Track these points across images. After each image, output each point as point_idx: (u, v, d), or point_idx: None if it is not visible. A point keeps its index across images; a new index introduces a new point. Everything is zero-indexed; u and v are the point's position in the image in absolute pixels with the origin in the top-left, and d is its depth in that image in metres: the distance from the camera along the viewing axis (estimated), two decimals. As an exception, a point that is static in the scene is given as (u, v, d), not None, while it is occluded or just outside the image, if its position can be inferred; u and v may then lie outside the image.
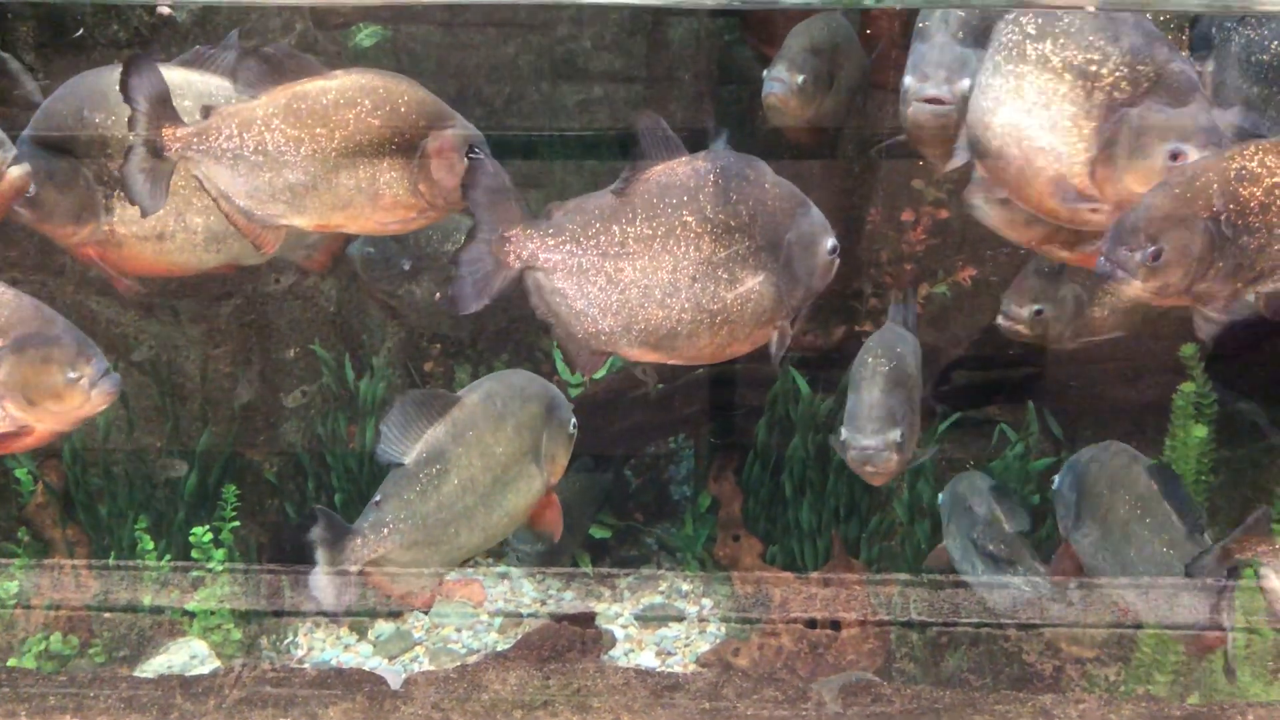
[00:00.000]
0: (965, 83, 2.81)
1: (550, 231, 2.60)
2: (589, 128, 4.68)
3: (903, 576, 3.67)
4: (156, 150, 2.64)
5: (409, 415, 2.87)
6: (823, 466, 4.02)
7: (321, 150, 2.70)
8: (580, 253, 2.62)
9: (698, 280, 2.60)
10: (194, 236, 2.98)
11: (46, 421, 2.52)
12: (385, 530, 2.79)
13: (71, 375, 2.49)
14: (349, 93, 2.73)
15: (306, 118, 2.68)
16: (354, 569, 2.71)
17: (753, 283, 2.63)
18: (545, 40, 4.58)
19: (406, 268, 3.96)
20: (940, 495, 3.48)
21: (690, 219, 2.59)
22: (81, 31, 3.80)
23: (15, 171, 2.64)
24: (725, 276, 2.61)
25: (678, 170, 2.61)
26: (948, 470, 3.84)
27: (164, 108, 2.64)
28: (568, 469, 4.27)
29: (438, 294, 3.97)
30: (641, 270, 2.60)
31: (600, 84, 4.64)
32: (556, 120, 4.66)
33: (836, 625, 3.51)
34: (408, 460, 2.82)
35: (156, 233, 2.95)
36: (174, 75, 2.84)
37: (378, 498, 2.82)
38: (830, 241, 2.67)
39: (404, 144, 2.74)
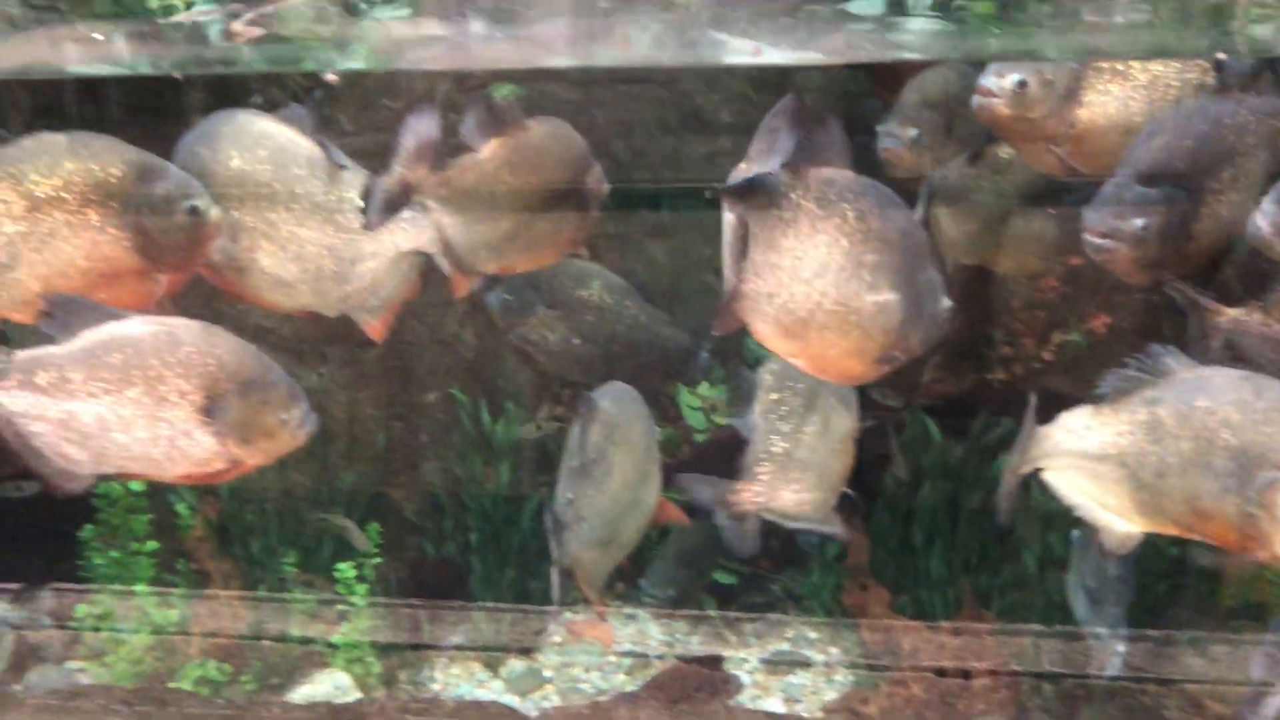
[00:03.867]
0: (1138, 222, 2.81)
1: None
2: (716, 180, 4.77)
3: (1036, 627, 3.61)
4: (406, 187, 2.83)
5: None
6: (953, 515, 3.99)
7: (530, 197, 2.87)
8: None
9: (844, 271, 2.64)
10: (264, 278, 3.10)
11: (256, 458, 2.71)
12: (584, 526, 2.95)
13: (284, 417, 2.68)
14: (546, 141, 2.91)
15: (522, 167, 2.86)
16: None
17: (887, 296, 2.66)
18: (673, 95, 4.70)
19: (540, 313, 4.09)
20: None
21: (851, 214, 2.65)
22: (259, 99, 4.07)
23: (216, 214, 2.85)
24: (867, 280, 2.65)
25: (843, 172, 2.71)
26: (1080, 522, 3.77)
27: (428, 153, 2.84)
28: (692, 514, 4.35)
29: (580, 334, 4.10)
30: (792, 251, 2.67)
31: (728, 136, 4.74)
32: (683, 173, 4.77)
33: (967, 675, 3.47)
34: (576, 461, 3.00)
35: (238, 266, 3.08)
36: (264, 125, 3.03)
37: (570, 495, 2.97)
38: (948, 302, 2.71)
39: (576, 183, 2.91)
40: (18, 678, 3.79)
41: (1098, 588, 3.22)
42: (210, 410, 2.64)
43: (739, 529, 3.26)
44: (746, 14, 2.91)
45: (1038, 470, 2.91)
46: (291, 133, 3.03)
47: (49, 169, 2.76)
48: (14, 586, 3.75)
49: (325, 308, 3.18)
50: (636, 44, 3.02)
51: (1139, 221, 2.82)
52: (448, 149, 2.97)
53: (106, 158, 2.79)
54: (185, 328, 2.68)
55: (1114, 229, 2.84)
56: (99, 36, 3.11)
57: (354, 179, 2.99)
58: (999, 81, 3.06)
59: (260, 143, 2.99)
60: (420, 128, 2.82)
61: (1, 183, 2.75)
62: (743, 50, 2.97)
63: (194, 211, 2.83)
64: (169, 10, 3.12)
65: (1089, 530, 3.22)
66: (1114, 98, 3.09)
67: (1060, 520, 3.76)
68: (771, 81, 4.64)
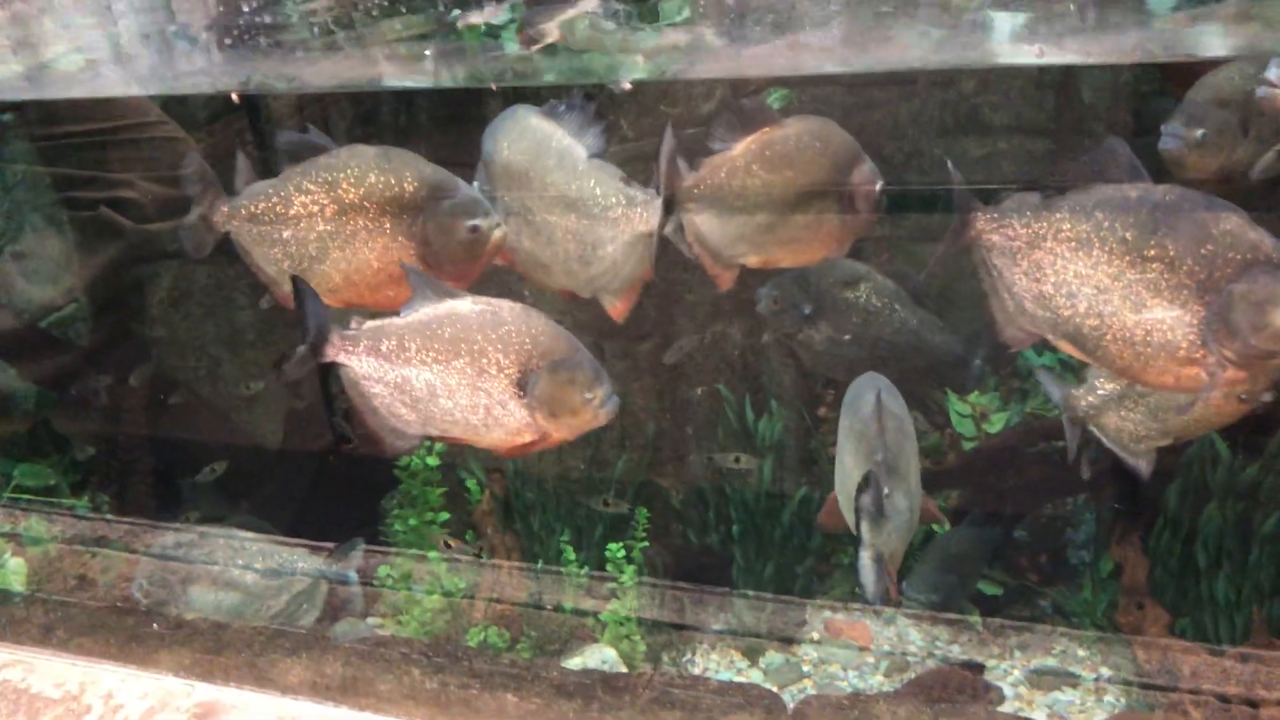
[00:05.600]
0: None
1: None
2: (991, 181, 4.67)
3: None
4: (670, 206, 3.05)
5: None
6: (1244, 537, 3.75)
7: (786, 192, 3.00)
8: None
9: (1127, 286, 2.71)
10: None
11: (561, 432, 2.94)
12: (898, 518, 3.06)
13: (588, 396, 2.89)
14: (804, 138, 3.02)
15: (776, 162, 2.99)
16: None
17: (1176, 313, 2.64)
18: (949, 96, 4.64)
19: (807, 312, 4.15)
20: None
21: (1128, 235, 2.72)
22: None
23: (499, 234, 3.13)
24: (1148, 296, 2.68)
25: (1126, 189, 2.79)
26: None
27: (677, 166, 3.04)
28: (959, 522, 4.30)
29: (845, 336, 4.15)
30: (1073, 262, 2.80)
31: (1004, 138, 4.63)
32: (957, 174, 4.69)
33: (1255, 705, 3.25)
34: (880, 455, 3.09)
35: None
36: (541, 124, 3.23)
37: (886, 491, 3.07)
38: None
39: (839, 180, 2.99)
40: (327, 627, 4.23)
41: None
42: (523, 384, 2.87)
43: (1071, 432, 3.44)
44: (1030, 15, 2.87)
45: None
46: (551, 127, 3.24)
47: (358, 179, 3.12)
48: (329, 545, 4.19)
49: (578, 288, 3.38)
50: (915, 47, 3.04)
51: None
52: (705, 150, 3.12)
53: (405, 173, 3.13)
54: (508, 309, 2.94)
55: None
56: (427, 53, 3.43)
57: (600, 170, 3.17)
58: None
59: (524, 135, 3.25)
60: (666, 149, 3.00)
61: (319, 188, 3.14)
62: (1027, 53, 2.93)
63: (474, 230, 3.11)
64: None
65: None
66: None
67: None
68: (1053, 81, 4.51)
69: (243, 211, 3.23)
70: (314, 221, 3.17)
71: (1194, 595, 3.85)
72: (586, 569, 4.13)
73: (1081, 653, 4.11)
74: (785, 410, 4.54)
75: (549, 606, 4.09)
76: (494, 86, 3.93)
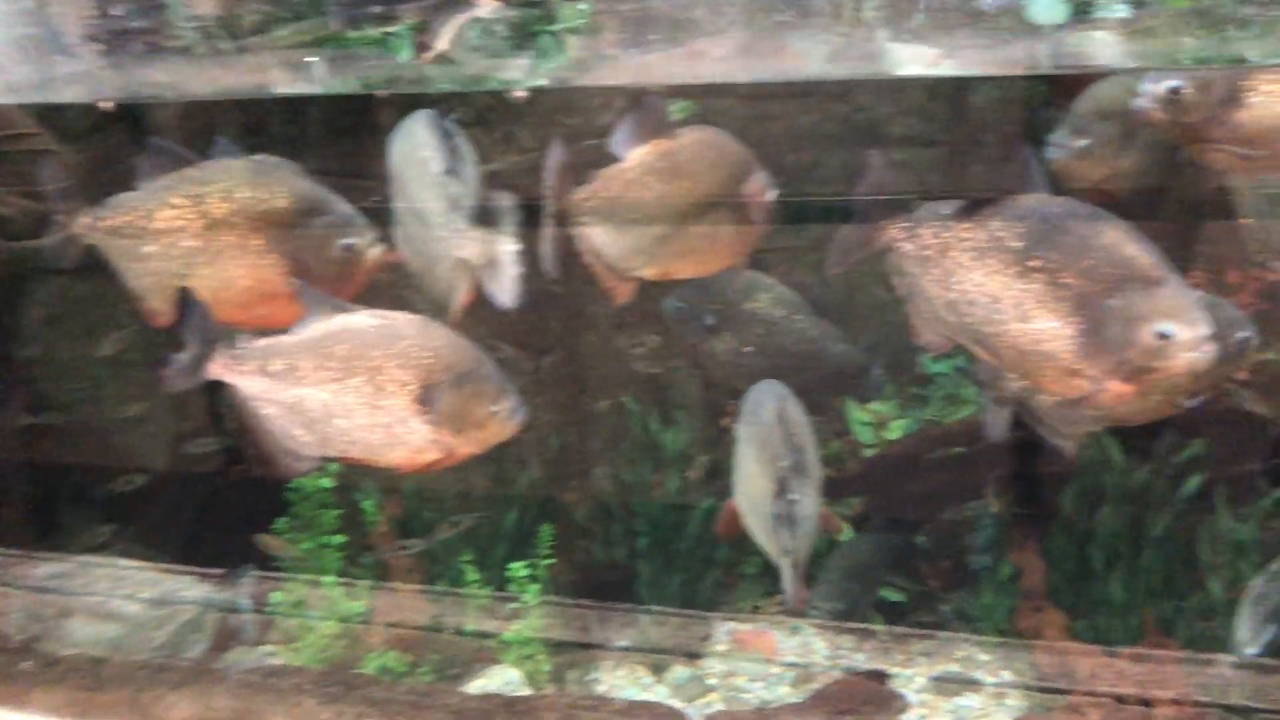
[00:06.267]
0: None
1: None
2: (887, 192, 4.73)
3: (1226, 657, 3.43)
4: (562, 219, 2.98)
5: None
6: (1136, 539, 3.83)
7: (680, 203, 2.96)
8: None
9: (1015, 296, 2.76)
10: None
11: (467, 447, 2.88)
12: (807, 523, 3.14)
13: (494, 408, 2.84)
14: (697, 148, 2.99)
15: (670, 173, 2.96)
16: None
17: (1057, 325, 2.69)
18: (846, 108, 4.69)
19: (710, 323, 4.15)
20: None
21: (1017, 245, 2.78)
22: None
23: (375, 254, 3.05)
24: (1032, 307, 2.72)
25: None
26: (1275, 550, 3.57)
27: (568, 176, 2.98)
28: (859, 529, 4.32)
29: (748, 346, 4.15)
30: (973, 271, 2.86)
31: (901, 149, 4.69)
32: (855, 186, 4.75)
33: (1149, 704, 3.33)
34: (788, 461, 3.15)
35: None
36: (420, 132, 3.17)
37: (795, 496, 3.06)
38: (1169, 327, 2.61)
39: (733, 190, 2.97)
40: (217, 658, 4.06)
41: None
42: (425, 399, 2.78)
43: (996, 413, 3.39)
44: (923, 24, 2.89)
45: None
46: (427, 136, 3.18)
47: (226, 193, 3.01)
48: (218, 572, 4.03)
49: (435, 299, 3.32)
50: (810, 57, 3.05)
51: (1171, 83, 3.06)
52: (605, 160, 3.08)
53: (277, 188, 3.03)
54: (406, 321, 2.87)
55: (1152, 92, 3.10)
56: (309, 59, 3.33)
57: (446, 186, 3.11)
58: (1153, 88, 3.11)
59: (404, 142, 3.21)
60: (555, 160, 2.95)
61: (186, 201, 3.02)
62: (921, 59, 2.96)
63: (348, 249, 3.03)
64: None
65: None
66: None
67: (1250, 547, 3.58)
68: (946, 93, 4.58)
69: (105, 224, 3.09)
70: (180, 236, 3.04)
71: (1090, 597, 3.92)
72: (489, 589, 4.04)
73: (983, 657, 4.16)
74: (692, 422, 4.52)
75: (450, 629, 3.99)
76: (379, 94, 3.84)
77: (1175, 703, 3.18)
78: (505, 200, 2.99)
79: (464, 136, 3.38)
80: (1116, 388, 2.68)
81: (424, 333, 2.85)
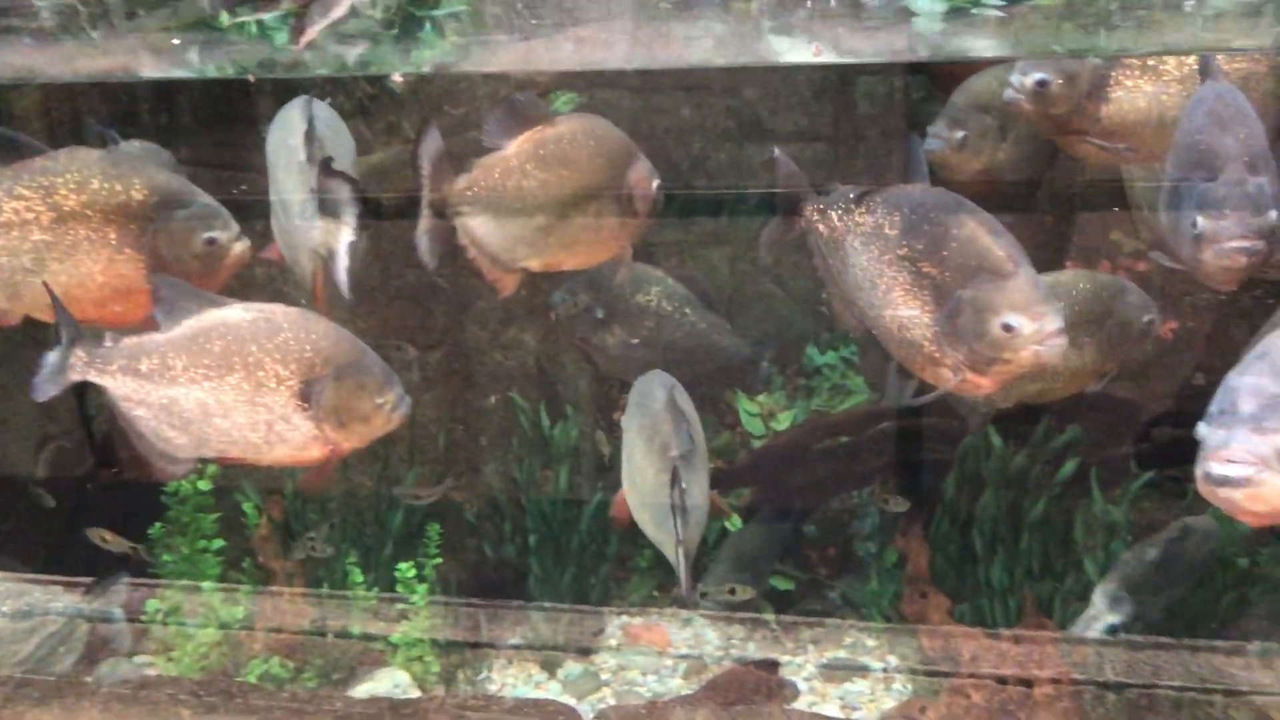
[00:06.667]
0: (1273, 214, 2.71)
1: None
2: (774, 186, 4.78)
3: (1099, 636, 3.54)
4: (439, 211, 2.90)
5: None
6: (1015, 523, 3.94)
7: (562, 192, 2.91)
8: None
9: (888, 283, 2.81)
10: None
11: (352, 441, 2.79)
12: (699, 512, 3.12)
13: (379, 401, 2.74)
14: (578, 136, 2.94)
15: (551, 162, 2.90)
16: None
17: (918, 313, 2.74)
18: (733, 102, 4.71)
19: (600, 316, 4.12)
20: None
21: (892, 234, 2.82)
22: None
23: (239, 249, 2.93)
24: (900, 294, 2.77)
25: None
26: (1146, 531, 3.70)
27: (443, 167, 2.91)
28: (749, 519, 4.35)
29: (637, 339, 4.13)
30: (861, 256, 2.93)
31: (786, 143, 4.73)
32: (742, 180, 4.78)
33: (1029, 684, 3.41)
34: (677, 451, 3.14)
35: None
36: (293, 119, 3.10)
37: (684, 483, 3.05)
38: (1014, 319, 2.65)
39: (616, 179, 2.94)
40: (89, 669, 3.88)
41: None
42: (307, 394, 2.71)
43: (898, 383, 3.39)
44: (807, 15, 2.91)
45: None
46: (299, 123, 3.10)
47: (79, 184, 2.87)
48: (87, 580, 3.85)
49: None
50: (696, 47, 3.04)
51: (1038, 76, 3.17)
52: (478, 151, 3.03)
53: (133, 179, 2.90)
54: (284, 314, 2.77)
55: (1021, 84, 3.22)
56: (176, 42, 3.20)
57: (303, 174, 3.04)
58: (1022, 79, 3.21)
59: (278, 129, 3.14)
60: (429, 150, 2.89)
61: (34, 193, 2.87)
62: (802, 50, 2.97)
63: (211, 242, 2.93)
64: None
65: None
66: (1143, 94, 3.12)
67: (1124, 530, 3.70)
68: (830, 87, 4.64)
69: None
70: (28, 230, 2.88)
71: (972, 581, 4.01)
72: (375, 590, 3.95)
73: (871, 643, 4.23)
74: (581, 416, 4.49)
75: (336, 632, 3.88)
76: (252, 78, 3.71)
77: (1054, 681, 3.28)
78: (344, 190, 2.91)
79: (339, 124, 3.29)
80: (973, 378, 2.72)
81: (303, 326, 2.76)
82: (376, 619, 3.87)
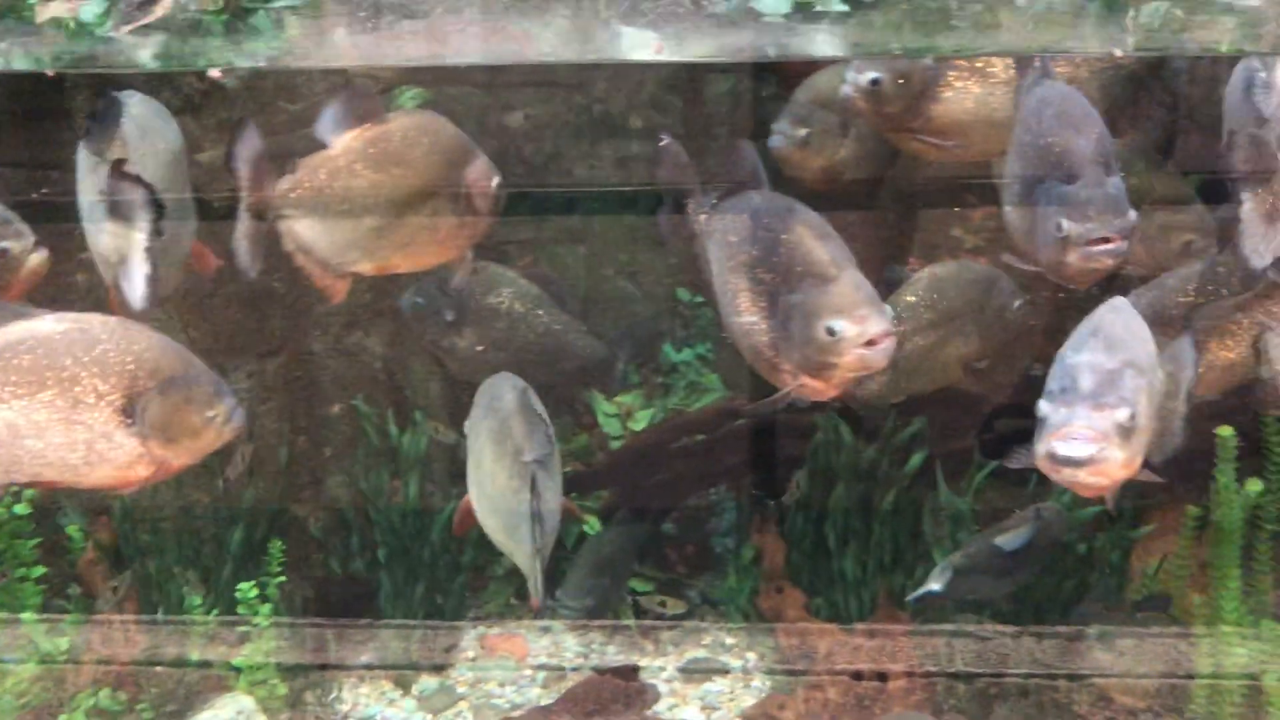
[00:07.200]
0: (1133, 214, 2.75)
1: None
2: (627, 183, 4.76)
3: (949, 627, 3.63)
4: (259, 214, 2.74)
5: None
6: (866, 517, 4.00)
7: (395, 192, 2.79)
8: None
9: (728, 290, 2.84)
10: None
11: (182, 458, 2.64)
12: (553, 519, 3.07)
13: (209, 414, 2.60)
14: (411, 134, 2.83)
15: (382, 161, 2.78)
16: None
17: (756, 320, 2.76)
18: (584, 99, 4.66)
19: (450, 319, 4.03)
20: None
21: (731, 239, 2.82)
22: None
23: (35, 259, 2.77)
24: (739, 301, 2.78)
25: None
26: (989, 520, 3.81)
27: (263, 167, 2.75)
28: (607, 521, 4.31)
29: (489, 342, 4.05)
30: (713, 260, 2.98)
31: (638, 140, 4.72)
32: (595, 177, 4.74)
33: (884, 677, 3.47)
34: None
35: None
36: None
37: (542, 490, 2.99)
38: (837, 324, 2.66)
39: (453, 178, 2.84)
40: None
41: None
42: (130, 410, 2.55)
43: None
44: (652, 13, 2.87)
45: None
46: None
47: None
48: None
49: None
50: (539, 40, 2.97)
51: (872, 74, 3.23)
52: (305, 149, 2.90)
53: None
54: (102, 324, 2.60)
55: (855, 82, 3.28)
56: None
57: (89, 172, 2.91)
58: (857, 77, 3.26)
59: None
60: (247, 150, 2.75)
61: None
62: (646, 46, 2.94)
63: (2, 254, 2.77)
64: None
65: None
66: (971, 94, 3.22)
67: (969, 519, 3.80)
68: (680, 85, 4.64)
69: None
70: None
71: (826, 575, 4.06)
72: (215, 613, 3.75)
73: (729, 641, 4.24)
74: (430, 425, 4.37)
75: (172, 659, 3.67)
76: (51, 73, 3.47)
77: (907, 674, 3.34)
78: (138, 193, 2.74)
79: (161, 122, 3.10)
80: (809, 383, 2.73)
81: (123, 336, 2.59)
82: (216, 643, 3.68)
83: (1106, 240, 2.69)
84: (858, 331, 2.61)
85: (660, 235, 3.32)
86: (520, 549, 3.00)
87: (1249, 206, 2.79)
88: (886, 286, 3.69)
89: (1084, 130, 2.79)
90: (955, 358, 3.67)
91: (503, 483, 3.04)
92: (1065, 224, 2.70)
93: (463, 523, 3.16)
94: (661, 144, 3.17)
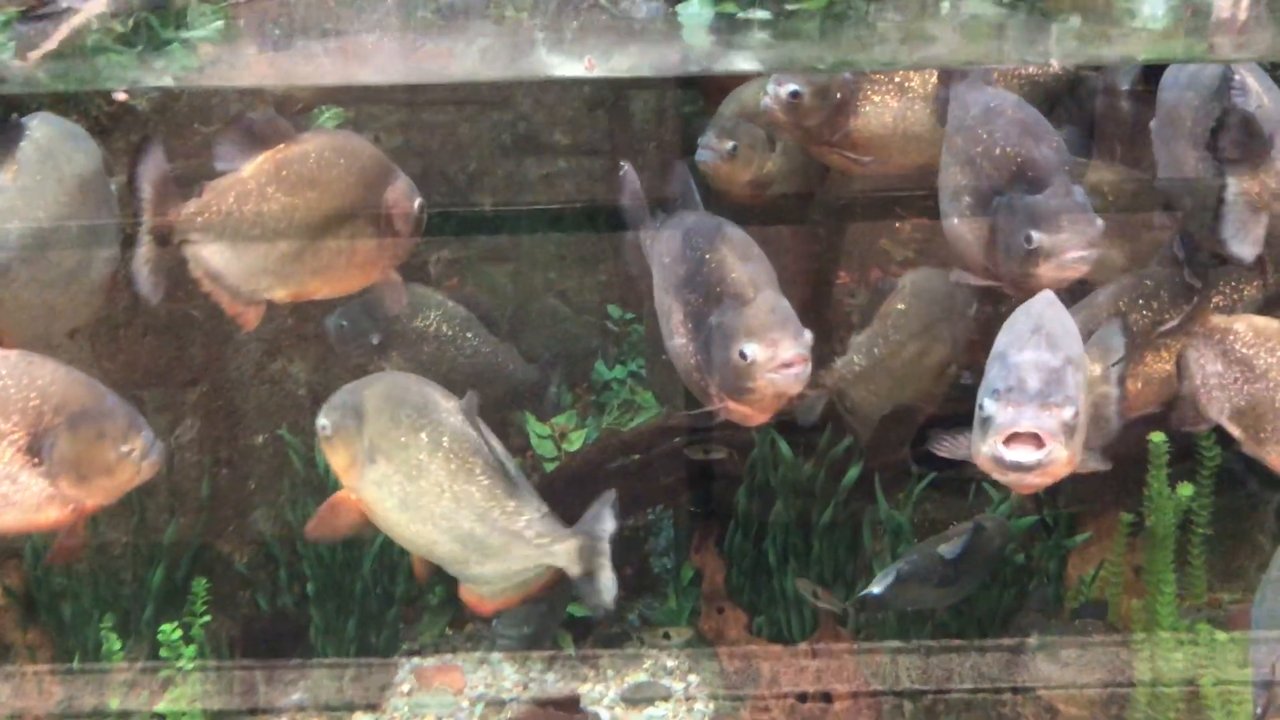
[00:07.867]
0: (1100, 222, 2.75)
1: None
2: (554, 201, 4.71)
3: (892, 644, 3.61)
4: (163, 238, 2.63)
5: None
6: (805, 533, 3.98)
7: (310, 215, 2.70)
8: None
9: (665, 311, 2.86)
10: None
11: (96, 498, 2.52)
12: None
13: (124, 449, 2.49)
14: (326, 155, 2.74)
15: (295, 183, 2.68)
16: None
17: (684, 340, 2.76)
18: (506, 117, 4.61)
19: (376, 341, 3.96)
20: None
21: (667, 261, 2.83)
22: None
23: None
24: (675, 324, 2.79)
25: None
26: (928, 531, 3.81)
27: (170, 189, 2.64)
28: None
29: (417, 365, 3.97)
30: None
31: (563, 157, 4.67)
32: (521, 195, 4.69)
33: (828, 697, 3.44)
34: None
35: None
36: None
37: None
38: (749, 347, 2.62)
39: (372, 200, 2.76)
40: None
41: None
42: (36, 449, 2.43)
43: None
44: (577, 29, 2.82)
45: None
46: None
47: None
48: None
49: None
50: (463, 58, 2.90)
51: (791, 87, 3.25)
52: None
53: None
54: (2, 358, 2.46)
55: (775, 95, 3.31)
56: None
57: None
58: (777, 90, 3.27)
59: None
60: (150, 171, 2.65)
61: None
62: (576, 66, 2.89)
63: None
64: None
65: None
66: (889, 109, 3.23)
67: (909, 532, 3.79)
68: (604, 101, 4.60)
69: None
70: None
71: (767, 593, 4.03)
72: (135, 658, 3.60)
73: (670, 663, 4.18)
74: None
75: (90, 711, 3.51)
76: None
77: (852, 695, 3.31)
78: None
79: (77, 144, 2.97)
80: (733, 406, 2.68)
81: (26, 370, 2.48)
82: (138, 690, 3.53)
83: (1082, 249, 2.68)
84: (768, 355, 2.57)
85: (626, 260, 3.27)
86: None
87: (1234, 192, 2.71)
88: (877, 296, 3.72)
89: (1043, 139, 2.77)
90: (937, 364, 3.69)
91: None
92: (1036, 236, 2.66)
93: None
94: (621, 172, 3.13)
